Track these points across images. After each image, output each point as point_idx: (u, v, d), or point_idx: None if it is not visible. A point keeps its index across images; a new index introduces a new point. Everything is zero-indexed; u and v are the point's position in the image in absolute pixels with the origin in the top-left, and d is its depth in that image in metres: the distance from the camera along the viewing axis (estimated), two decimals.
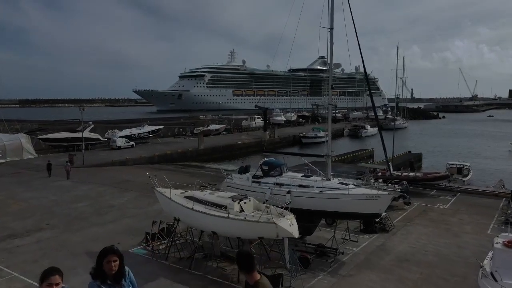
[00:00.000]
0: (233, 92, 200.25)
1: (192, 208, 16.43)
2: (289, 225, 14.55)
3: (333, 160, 31.59)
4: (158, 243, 18.97)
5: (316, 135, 73.29)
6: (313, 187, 18.89)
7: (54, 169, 37.99)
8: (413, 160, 43.83)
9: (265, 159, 22.87)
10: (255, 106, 74.81)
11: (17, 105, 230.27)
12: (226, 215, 15.25)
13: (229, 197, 16.91)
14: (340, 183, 19.35)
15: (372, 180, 25.28)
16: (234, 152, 58.00)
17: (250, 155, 58.80)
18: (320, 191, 18.40)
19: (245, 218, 15.15)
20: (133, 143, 55.64)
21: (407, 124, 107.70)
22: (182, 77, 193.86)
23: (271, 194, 19.17)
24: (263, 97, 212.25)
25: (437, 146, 72.28)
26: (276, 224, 14.17)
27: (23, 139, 47.53)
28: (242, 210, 15.94)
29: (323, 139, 73.06)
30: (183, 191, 19.05)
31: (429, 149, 66.47)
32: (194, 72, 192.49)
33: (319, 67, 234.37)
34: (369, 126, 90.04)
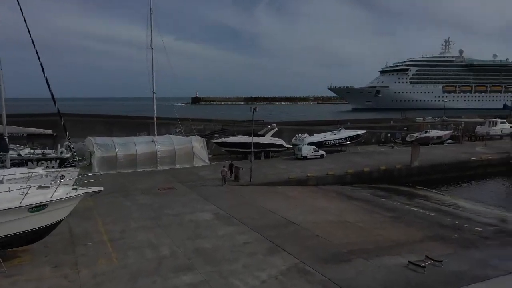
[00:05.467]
0: (443, 88, 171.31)
1: None
2: None
3: None
4: None
5: None
6: None
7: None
8: None
9: None
10: (504, 106, 52.12)
11: (242, 102, 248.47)
12: None
13: None
14: None
15: None
16: (466, 173, 38.94)
17: (491, 179, 38.81)
18: None
19: None
20: (323, 152, 43.24)
21: None
22: (383, 72, 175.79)
23: None
24: (484, 94, 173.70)
25: None
26: None
27: (196, 143, 40.51)
28: None
29: None
30: None
31: None
32: (397, 66, 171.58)
33: None
34: None
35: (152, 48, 38.36)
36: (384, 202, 27.65)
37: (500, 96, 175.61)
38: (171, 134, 44.42)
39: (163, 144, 38.55)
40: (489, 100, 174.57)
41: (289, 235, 19.20)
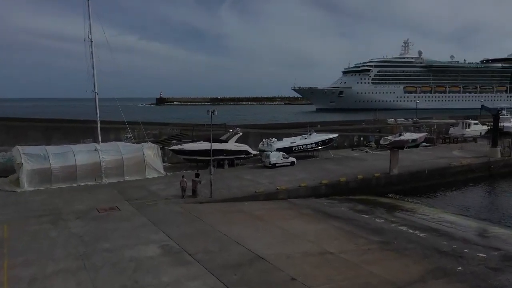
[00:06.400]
0: (404, 88, 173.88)
1: None
2: None
3: None
4: None
5: None
6: None
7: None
8: None
9: None
10: (481, 106, 49.86)
11: (208, 103, 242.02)
12: None
13: None
14: None
15: None
16: (447, 180, 35.94)
17: (473, 186, 35.99)
18: None
19: None
20: (293, 159, 39.08)
21: None
22: (345, 72, 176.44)
23: None
24: (443, 94, 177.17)
25: None
26: None
27: (149, 151, 35.19)
28: None
29: None
30: None
31: None
32: (359, 67, 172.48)
33: None
34: None
35: (91, 41, 32.83)
36: (367, 220, 23.72)
37: (458, 97, 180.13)
38: (123, 140, 39.02)
39: (108, 153, 32.96)
40: (448, 101, 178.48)
41: (256, 279, 14.69)
